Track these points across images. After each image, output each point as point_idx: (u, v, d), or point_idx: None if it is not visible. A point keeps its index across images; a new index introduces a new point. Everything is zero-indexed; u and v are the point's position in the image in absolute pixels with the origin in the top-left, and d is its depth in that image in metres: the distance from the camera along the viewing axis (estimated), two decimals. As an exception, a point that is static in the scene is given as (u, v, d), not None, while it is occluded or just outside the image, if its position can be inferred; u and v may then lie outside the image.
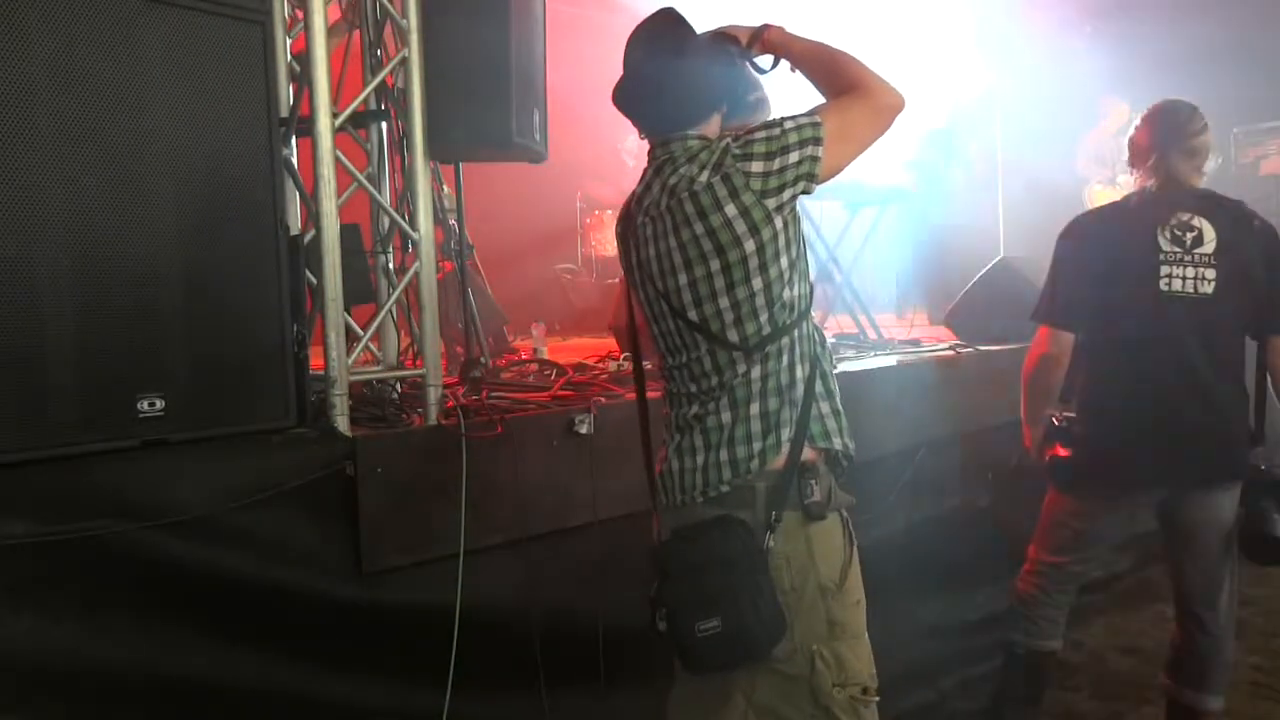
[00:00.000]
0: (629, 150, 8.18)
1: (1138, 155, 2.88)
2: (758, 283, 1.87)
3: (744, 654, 1.84)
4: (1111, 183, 7.49)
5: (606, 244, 7.86)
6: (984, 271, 5.12)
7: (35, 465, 2.08)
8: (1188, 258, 2.72)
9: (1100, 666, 4.01)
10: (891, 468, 3.92)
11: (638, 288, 2.07)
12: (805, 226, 2.21)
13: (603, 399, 3.04)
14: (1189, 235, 2.73)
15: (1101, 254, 2.82)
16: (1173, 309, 2.74)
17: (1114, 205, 2.98)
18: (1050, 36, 7.95)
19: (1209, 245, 2.72)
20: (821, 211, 5.40)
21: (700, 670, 1.92)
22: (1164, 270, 2.73)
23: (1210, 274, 2.71)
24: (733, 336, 1.90)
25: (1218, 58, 7.19)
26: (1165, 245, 2.73)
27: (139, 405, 2.24)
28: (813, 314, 2.00)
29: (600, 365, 3.92)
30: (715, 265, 1.87)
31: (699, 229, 1.87)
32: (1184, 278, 2.72)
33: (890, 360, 4.37)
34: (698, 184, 1.87)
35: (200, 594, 2.27)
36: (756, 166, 1.84)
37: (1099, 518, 2.99)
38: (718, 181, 1.85)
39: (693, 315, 1.93)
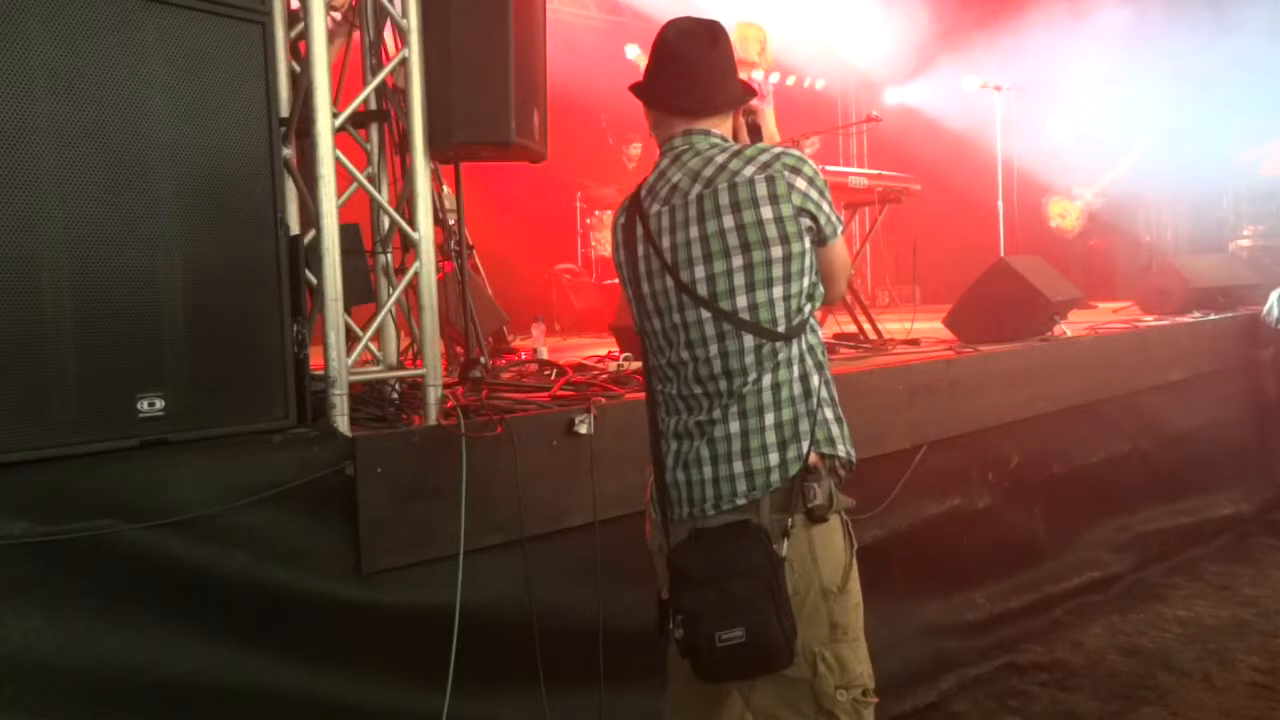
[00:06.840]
0: (630, 156, 8.19)
1: None
2: (779, 291, 1.88)
3: (764, 665, 1.82)
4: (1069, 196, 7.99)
5: (606, 244, 7.87)
6: (984, 271, 5.13)
7: (35, 465, 2.08)
8: None
9: (1100, 666, 4.01)
10: (891, 468, 3.92)
11: (643, 280, 2.00)
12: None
13: (603, 399, 3.04)
14: None
15: None
16: None
17: None
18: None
19: None
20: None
21: (715, 680, 1.89)
22: None
23: None
24: (748, 339, 1.89)
25: (1219, 59, 7.19)
26: None
27: (138, 405, 2.24)
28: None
29: (600, 365, 3.93)
30: (738, 261, 1.88)
31: (728, 222, 1.87)
32: None
33: (890, 360, 4.37)
34: (740, 176, 1.88)
35: (200, 594, 2.26)
36: (802, 184, 1.88)
37: None
38: (762, 180, 1.86)
39: (706, 306, 1.91)
